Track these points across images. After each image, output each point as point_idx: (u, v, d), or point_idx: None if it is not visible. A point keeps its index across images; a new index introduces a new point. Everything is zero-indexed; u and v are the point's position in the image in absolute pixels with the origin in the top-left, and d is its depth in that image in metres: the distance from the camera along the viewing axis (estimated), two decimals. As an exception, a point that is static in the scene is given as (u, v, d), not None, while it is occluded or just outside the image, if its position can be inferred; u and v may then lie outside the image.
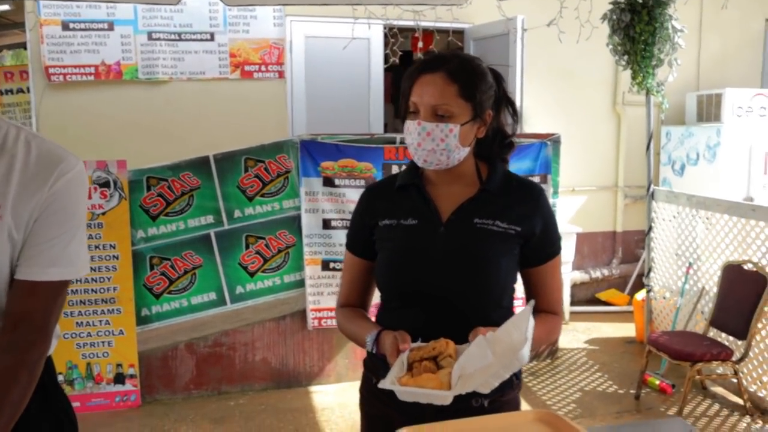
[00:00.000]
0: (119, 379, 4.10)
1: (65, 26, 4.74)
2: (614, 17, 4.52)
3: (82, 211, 1.41)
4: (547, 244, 1.66)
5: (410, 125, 1.57)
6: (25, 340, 1.30)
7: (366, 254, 1.74)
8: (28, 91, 4.99)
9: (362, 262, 1.75)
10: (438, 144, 1.55)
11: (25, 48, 5.03)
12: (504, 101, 1.66)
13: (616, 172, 6.28)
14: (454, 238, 1.60)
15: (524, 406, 4.17)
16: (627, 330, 5.49)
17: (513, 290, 1.70)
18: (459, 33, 5.61)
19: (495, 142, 1.67)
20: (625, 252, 6.35)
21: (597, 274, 6.16)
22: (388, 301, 1.71)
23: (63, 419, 1.53)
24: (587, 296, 6.19)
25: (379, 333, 1.57)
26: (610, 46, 4.62)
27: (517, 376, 1.71)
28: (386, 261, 1.68)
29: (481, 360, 1.34)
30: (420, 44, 5.44)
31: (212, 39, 4.99)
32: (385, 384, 1.36)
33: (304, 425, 3.93)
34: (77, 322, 4.01)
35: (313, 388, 4.42)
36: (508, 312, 1.67)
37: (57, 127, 4.64)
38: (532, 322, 1.39)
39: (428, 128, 1.54)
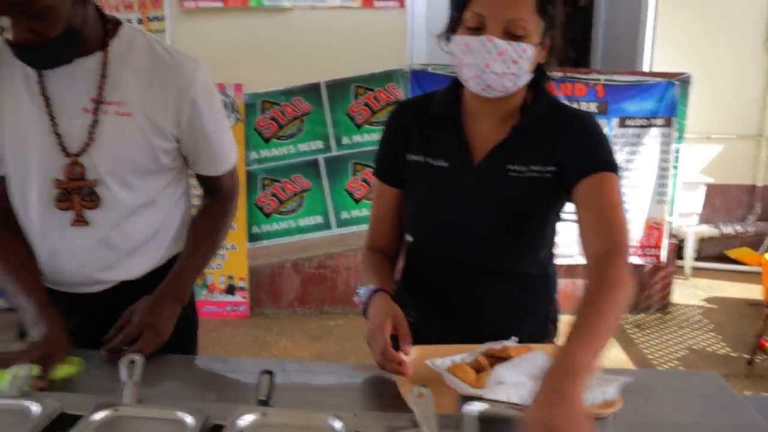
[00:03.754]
0: (230, 290, 4.50)
1: (197, -46, 5.08)
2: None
3: (219, 105, 1.61)
4: (586, 156, 1.40)
5: (473, 42, 1.31)
6: (226, 195, 1.71)
7: (398, 182, 1.56)
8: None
9: (393, 192, 1.57)
10: (509, 67, 1.32)
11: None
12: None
13: (763, 121, 5.86)
14: (485, 188, 1.45)
15: (622, 356, 4.15)
16: (754, 292, 5.21)
17: (552, 241, 1.58)
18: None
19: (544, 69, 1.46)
20: (766, 208, 5.97)
21: (728, 230, 5.84)
22: (417, 244, 1.62)
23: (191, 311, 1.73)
24: (715, 253, 5.88)
25: (375, 293, 1.44)
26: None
27: (554, 321, 1.66)
28: (414, 206, 1.55)
29: (519, 376, 1.26)
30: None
31: (335, -33, 5.15)
32: (434, 362, 1.32)
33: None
34: (194, 234, 4.42)
35: (410, 317, 4.62)
36: (544, 265, 1.58)
37: (187, 52, 4.96)
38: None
39: (501, 47, 1.30)
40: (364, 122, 4.44)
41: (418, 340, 1.38)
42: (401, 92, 4.39)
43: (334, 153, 4.46)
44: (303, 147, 4.45)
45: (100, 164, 1.47)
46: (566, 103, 1.57)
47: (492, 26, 1.30)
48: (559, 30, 1.40)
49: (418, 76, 4.36)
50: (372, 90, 4.40)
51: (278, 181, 4.47)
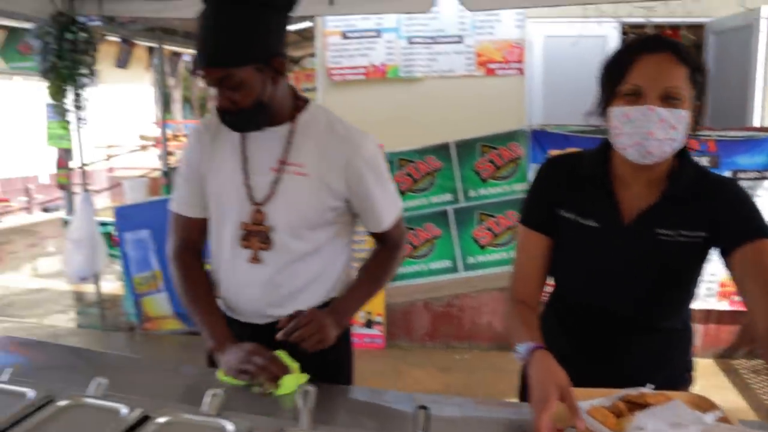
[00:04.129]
0: (368, 324, 4.60)
1: (344, 35, 5.37)
2: None
3: (384, 171, 1.66)
4: (742, 223, 1.33)
5: (633, 112, 1.27)
6: (393, 245, 1.75)
7: (548, 230, 1.49)
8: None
9: (543, 240, 1.49)
10: (669, 132, 1.27)
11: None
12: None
13: None
14: (635, 249, 1.39)
15: (740, 401, 3.85)
16: None
17: (694, 296, 1.49)
18: (696, 27, 5.22)
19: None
20: None
21: None
22: (562, 291, 1.57)
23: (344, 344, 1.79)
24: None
25: (535, 351, 1.31)
26: None
27: (689, 370, 1.58)
28: (563, 260, 1.49)
29: (659, 424, 1.20)
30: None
31: (461, 41, 5.28)
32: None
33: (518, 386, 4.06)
34: (339, 275, 4.58)
35: (530, 353, 4.51)
36: (686, 319, 1.52)
37: (334, 118, 5.23)
38: None
39: (662, 114, 1.26)
40: (489, 177, 4.47)
41: None
42: (522, 150, 4.39)
43: (462, 204, 4.51)
44: (434, 199, 4.53)
45: (277, 214, 1.58)
46: (709, 169, 1.50)
47: (650, 95, 1.27)
48: (705, 96, 1.36)
49: (538, 135, 4.35)
50: (496, 148, 4.43)
51: (412, 229, 4.56)
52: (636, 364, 1.47)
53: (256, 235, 1.59)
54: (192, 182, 1.69)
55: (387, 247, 1.76)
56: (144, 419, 1.26)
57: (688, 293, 1.48)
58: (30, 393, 1.32)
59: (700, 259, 1.41)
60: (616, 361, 1.48)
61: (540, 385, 1.23)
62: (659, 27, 4.64)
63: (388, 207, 1.68)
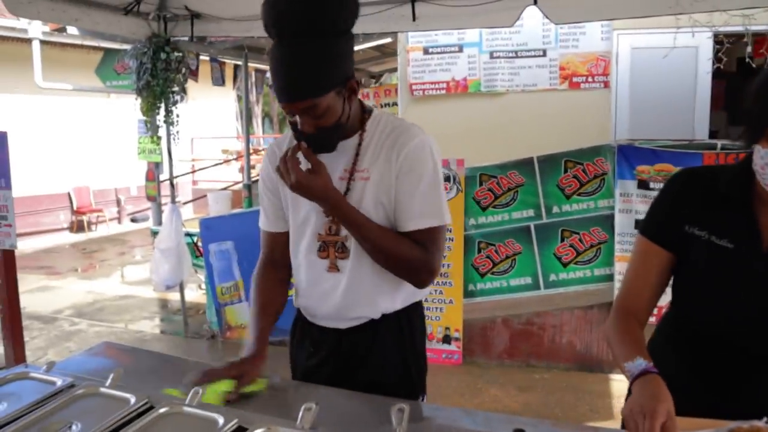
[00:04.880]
0: (446, 339, 4.54)
1: (426, 51, 5.37)
2: None
3: (430, 171, 1.54)
4: None
5: None
6: (422, 250, 1.54)
7: (671, 246, 1.38)
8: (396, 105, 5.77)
9: (663, 255, 1.39)
10: None
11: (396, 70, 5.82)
12: None
13: None
14: None
15: None
16: None
17: None
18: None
19: None
20: None
21: None
22: (680, 314, 1.45)
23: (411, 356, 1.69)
24: None
25: (648, 374, 1.25)
26: None
27: None
28: (686, 280, 1.39)
29: None
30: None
31: (544, 55, 5.19)
32: None
33: (600, 407, 3.91)
34: (418, 289, 4.55)
35: (614, 376, 4.31)
36: None
37: (414, 132, 5.23)
38: None
39: None
40: (573, 193, 4.35)
41: None
42: (609, 165, 4.25)
43: (545, 221, 4.41)
44: (516, 215, 4.44)
45: None
46: None
47: None
48: None
49: (624, 150, 4.21)
50: (581, 164, 4.31)
51: (493, 244, 4.49)
52: (756, 398, 1.35)
53: (333, 245, 1.61)
54: (268, 199, 1.73)
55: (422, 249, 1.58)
56: (240, 430, 1.26)
57: None
58: (132, 399, 1.35)
59: None
60: (733, 393, 1.37)
61: (644, 401, 1.17)
62: (758, 35, 4.40)
63: (424, 208, 1.54)
